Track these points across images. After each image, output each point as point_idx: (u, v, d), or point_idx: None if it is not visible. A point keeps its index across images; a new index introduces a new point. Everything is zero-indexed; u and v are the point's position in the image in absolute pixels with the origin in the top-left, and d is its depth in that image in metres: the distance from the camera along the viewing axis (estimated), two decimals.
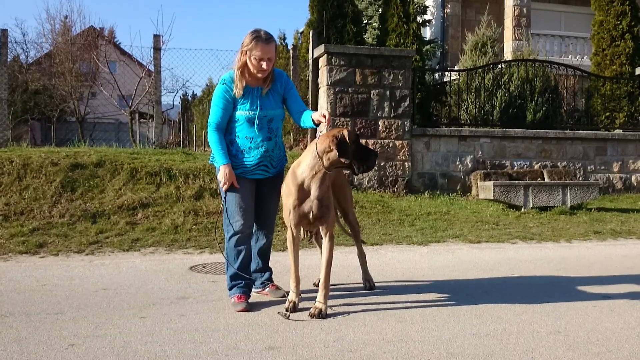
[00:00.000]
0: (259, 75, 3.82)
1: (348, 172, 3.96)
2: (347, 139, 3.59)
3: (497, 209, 8.69)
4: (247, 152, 3.89)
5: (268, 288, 4.22)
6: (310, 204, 3.71)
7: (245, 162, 3.90)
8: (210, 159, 4.10)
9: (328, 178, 3.72)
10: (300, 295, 3.84)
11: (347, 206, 4.43)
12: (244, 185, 3.92)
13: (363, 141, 9.06)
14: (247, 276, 3.96)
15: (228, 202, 3.94)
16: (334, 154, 3.58)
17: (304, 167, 3.70)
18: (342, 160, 3.57)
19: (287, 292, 3.91)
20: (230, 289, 3.98)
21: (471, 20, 19.05)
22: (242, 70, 3.82)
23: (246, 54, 3.77)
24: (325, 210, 3.73)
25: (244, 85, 3.82)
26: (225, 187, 3.85)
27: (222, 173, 3.84)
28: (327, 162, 3.63)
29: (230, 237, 3.94)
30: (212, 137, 3.89)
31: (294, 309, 3.73)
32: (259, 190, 4.05)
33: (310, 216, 3.72)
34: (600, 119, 11.79)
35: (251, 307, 3.85)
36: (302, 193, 3.71)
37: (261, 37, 3.76)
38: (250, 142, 3.87)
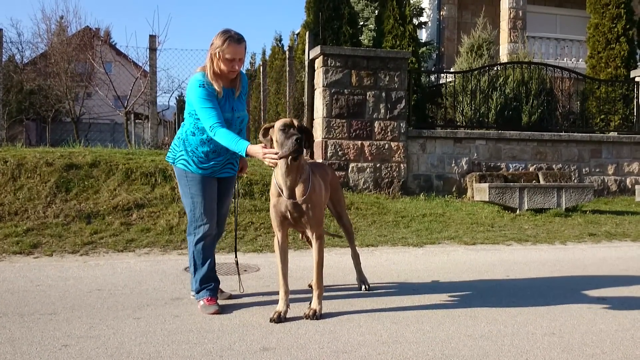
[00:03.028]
0: (230, 75, 3.78)
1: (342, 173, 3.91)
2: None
3: (492, 210, 8.70)
4: (222, 153, 3.85)
5: None
6: (286, 204, 3.64)
7: (217, 161, 3.87)
8: (167, 157, 4.02)
9: (309, 178, 3.64)
10: (288, 305, 3.68)
11: (341, 209, 4.44)
12: (211, 187, 3.91)
13: (359, 142, 9.19)
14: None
15: (196, 204, 3.87)
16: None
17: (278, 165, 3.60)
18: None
19: (230, 295, 4.05)
20: (198, 292, 3.91)
21: (467, 22, 19.11)
22: (216, 72, 3.74)
23: (217, 55, 3.69)
24: (303, 211, 3.62)
25: (221, 86, 3.77)
26: (280, 154, 3.45)
27: (256, 151, 3.51)
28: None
29: (198, 241, 3.89)
30: (219, 134, 3.60)
31: (279, 319, 3.55)
32: (218, 189, 4.03)
33: (289, 216, 3.66)
34: (595, 121, 11.84)
35: (223, 310, 3.80)
36: (278, 192, 3.67)
37: (233, 38, 3.70)
38: None
